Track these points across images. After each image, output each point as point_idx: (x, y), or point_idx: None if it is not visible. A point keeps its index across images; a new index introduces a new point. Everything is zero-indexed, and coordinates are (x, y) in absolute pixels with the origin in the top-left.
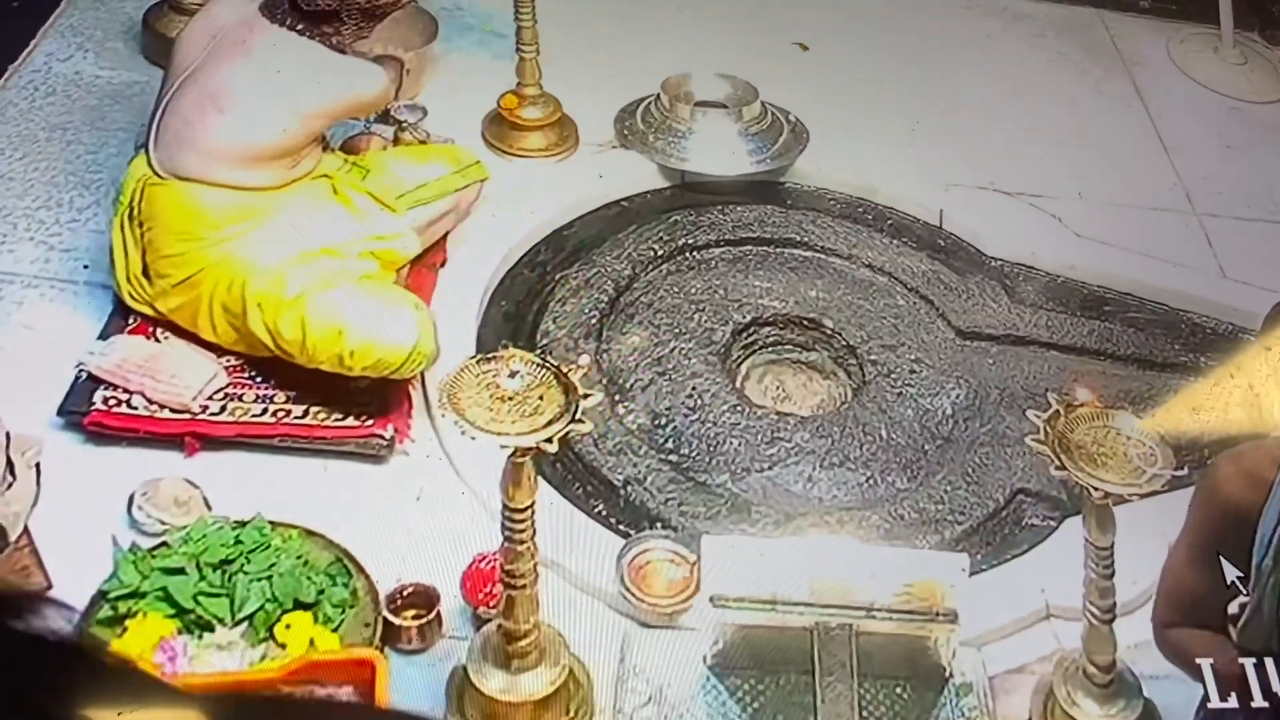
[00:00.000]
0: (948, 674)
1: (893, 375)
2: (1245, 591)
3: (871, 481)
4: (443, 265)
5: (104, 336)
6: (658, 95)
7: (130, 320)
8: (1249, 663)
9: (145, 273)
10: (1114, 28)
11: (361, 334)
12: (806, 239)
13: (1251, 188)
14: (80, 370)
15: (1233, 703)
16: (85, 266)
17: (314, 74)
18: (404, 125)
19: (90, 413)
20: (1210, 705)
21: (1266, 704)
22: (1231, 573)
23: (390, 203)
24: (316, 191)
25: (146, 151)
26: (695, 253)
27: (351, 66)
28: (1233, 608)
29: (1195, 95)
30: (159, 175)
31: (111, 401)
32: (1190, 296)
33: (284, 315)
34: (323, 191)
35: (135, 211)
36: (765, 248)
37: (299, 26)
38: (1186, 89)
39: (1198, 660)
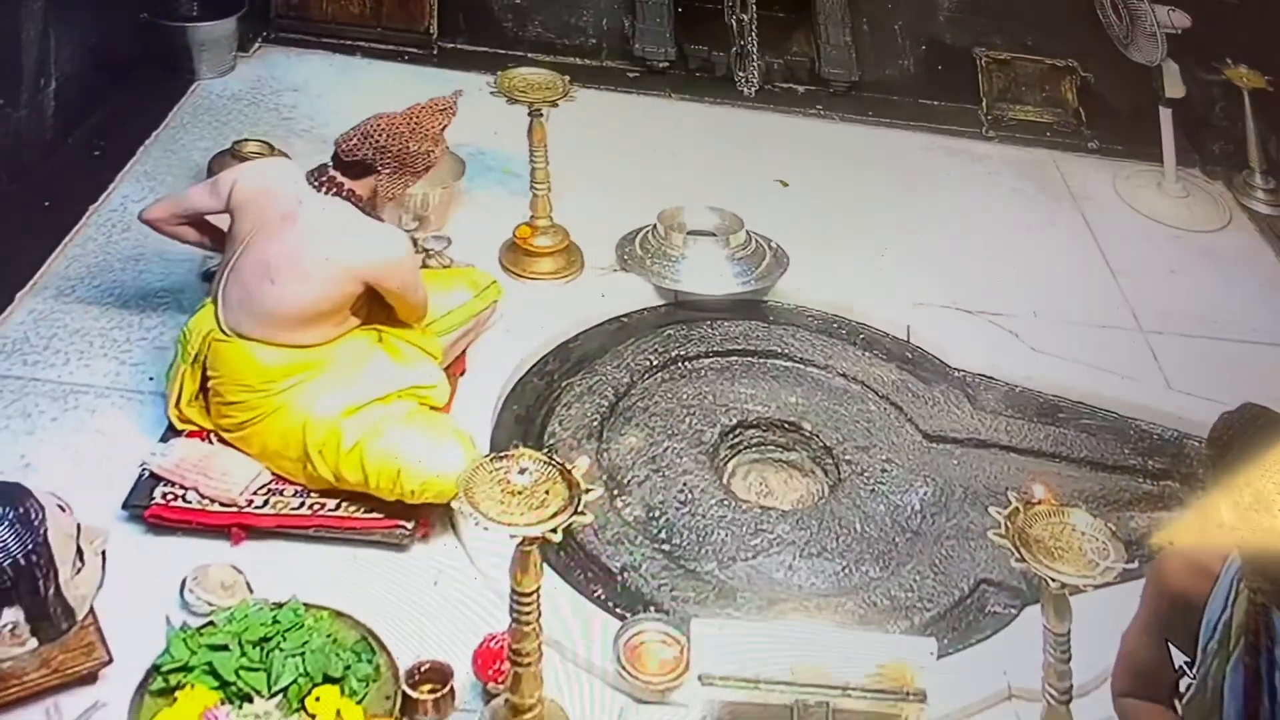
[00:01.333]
0: None
1: (866, 474)
2: (1191, 675)
3: (847, 570)
4: (462, 374)
5: (164, 439)
6: (654, 225)
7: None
8: None
9: (207, 409)
10: (1064, 166)
11: (418, 473)
12: (787, 350)
13: (1194, 307)
14: (143, 469)
15: None
16: (150, 379)
17: (351, 238)
18: (431, 253)
19: (150, 506)
20: None
21: None
22: (1180, 658)
23: (428, 347)
24: (363, 344)
25: (215, 308)
26: (687, 363)
27: (380, 230)
28: (1182, 684)
29: (1140, 225)
30: (225, 333)
31: (169, 496)
32: (1138, 405)
33: (344, 463)
34: (368, 342)
35: (200, 358)
36: (750, 358)
37: (340, 190)
38: (1132, 220)
39: None
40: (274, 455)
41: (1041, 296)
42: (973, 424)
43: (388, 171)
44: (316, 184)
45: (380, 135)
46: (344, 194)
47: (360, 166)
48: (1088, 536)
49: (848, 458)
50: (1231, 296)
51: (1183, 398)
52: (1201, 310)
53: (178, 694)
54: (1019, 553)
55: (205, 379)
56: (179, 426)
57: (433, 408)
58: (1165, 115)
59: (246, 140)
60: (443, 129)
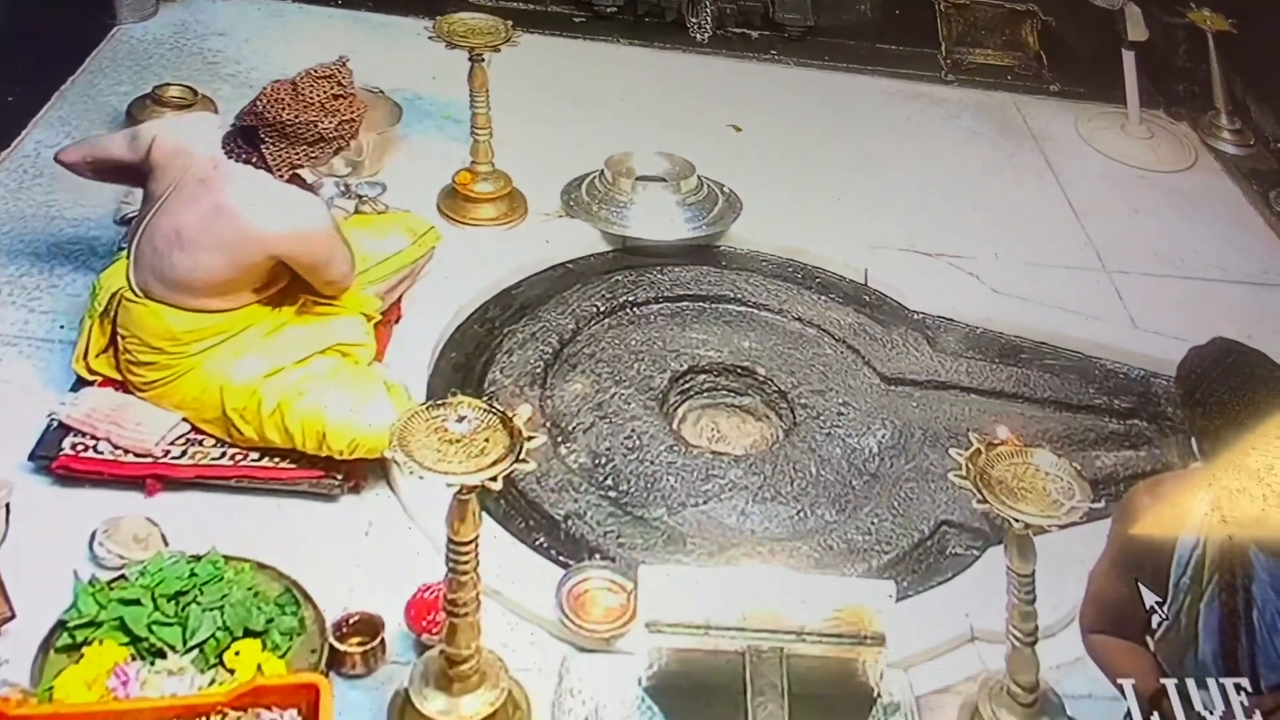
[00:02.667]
0: (876, 694)
1: (822, 417)
2: (1162, 613)
3: (802, 515)
4: (397, 322)
5: (75, 389)
6: (602, 171)
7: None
8: (1171, 683)
9: (117, 364)
10: (1025, 109)
11: (345, 430)
12: (740, 295)
13: (1160, 246)
14: (51, 419)
15: None
16: (61, 327)
17: (261, 208)
18: (364, 199)
19: (58, 457)
20: None
21: None
22: (1150, 598)
23: (354, 303)
24: (282, 306)
25: (127, 265)
26: (635, 309)
27: (293, 202)
28: (1154, 621)
29: (1103, 166)
30: (135, 293)
31: (79, 447)
32: (1103, 345)
33: (267, 426)
34: (288, 304)
35: (110, 313)
36: (701, 304)
37: (253, 160)
38: (1095, 161)
39: (1118, 670)
40: (191, 412)
41: (1003, 238)
42: (932, 366)
43: (270, 141)
44: (228, 150)
45: (261, 103)
46: (254, 162)
47: (251, 134)
48: (1052, 477)
49: (803, 402)
50: (1197, 235)
51: (1149, 337)
52: (1167, 249)
53: (85, 650)
54: (981, 494)
55: (116, 333)
56: (86, 379)
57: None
58: (1128, 58)
59: (168, 85)
60: (331, 96)
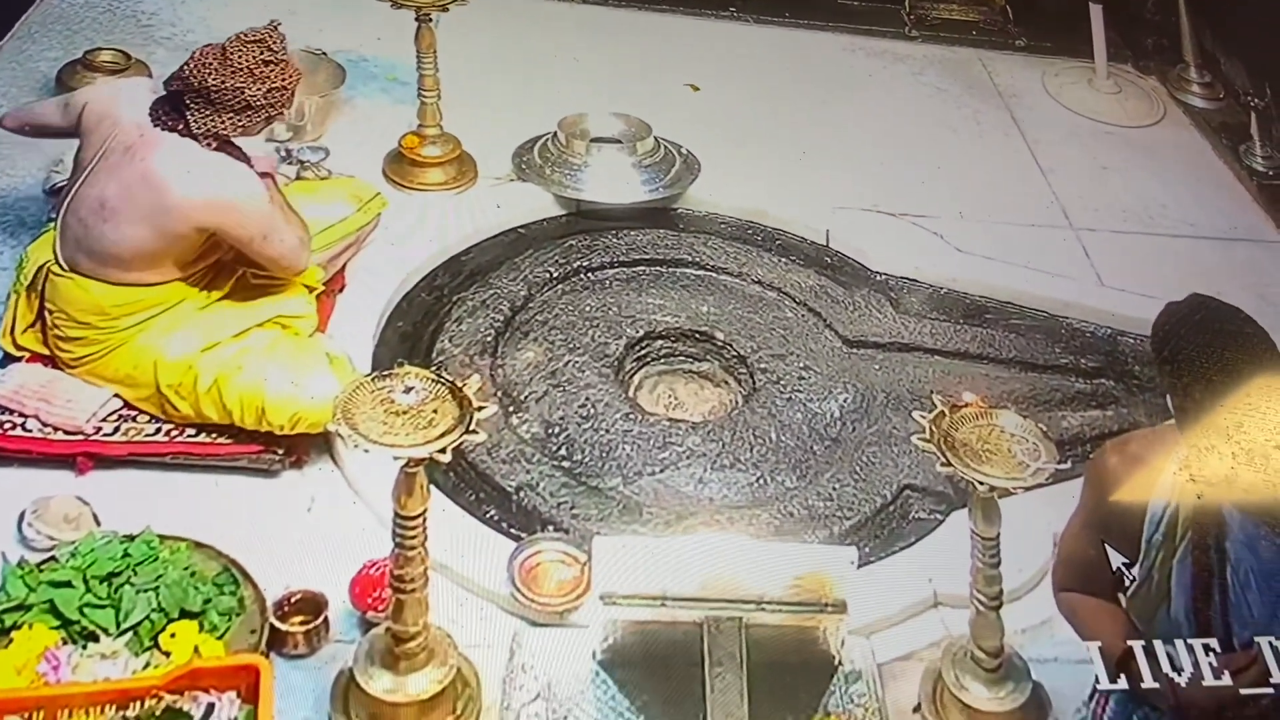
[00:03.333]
0: (837, 662)
1: (782, 382)
2: (1130, 575)
3: (761, 481)
4: (341, 291)
5: (2, 365)
6: (554, 133)
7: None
8: (1139, 645)
9: (45, 340)
10: (990, 65)
11: (285, 405)
12: (698, 259)
13: (1127, 203)
14: None
15: (1123, 684)
16: None
17: (188, 179)
18: (306, 165)
19: None
20: (1100, 687)
21: (1155, 685)
22: (1117, 559)
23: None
24: (217, 279)
25: (54, 237)
26: (590, 274)
27: (227, 170)
28: (1125, 580)
29: (1070, 122)
30: (61, 266)
31: (6, 425)
32: (1069, 304)
33: (204, 402)
34: (223, 277)
35: (37, 287)
36: (658, 268)
37: (180, 128)
38: (1062, 117)
39: (1089, 629)
40: (124, 388)
41: (967, 197)
42: (896, 328)
43: (195, 107)
44: (154, 117)
45: (187, 68)
46: (180, 130)
47: (179, 100)
48: (1017, 438)
49: (763, 366)
50: (1166, 191)
51: (1116, 294)
52: (1135, 206)
53: (13, 634)
54: (945, 457)
55: (44, 308)
56: (14, 355)
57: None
58: (1095, 11)
59: (100, 49)
60: (261, 62)
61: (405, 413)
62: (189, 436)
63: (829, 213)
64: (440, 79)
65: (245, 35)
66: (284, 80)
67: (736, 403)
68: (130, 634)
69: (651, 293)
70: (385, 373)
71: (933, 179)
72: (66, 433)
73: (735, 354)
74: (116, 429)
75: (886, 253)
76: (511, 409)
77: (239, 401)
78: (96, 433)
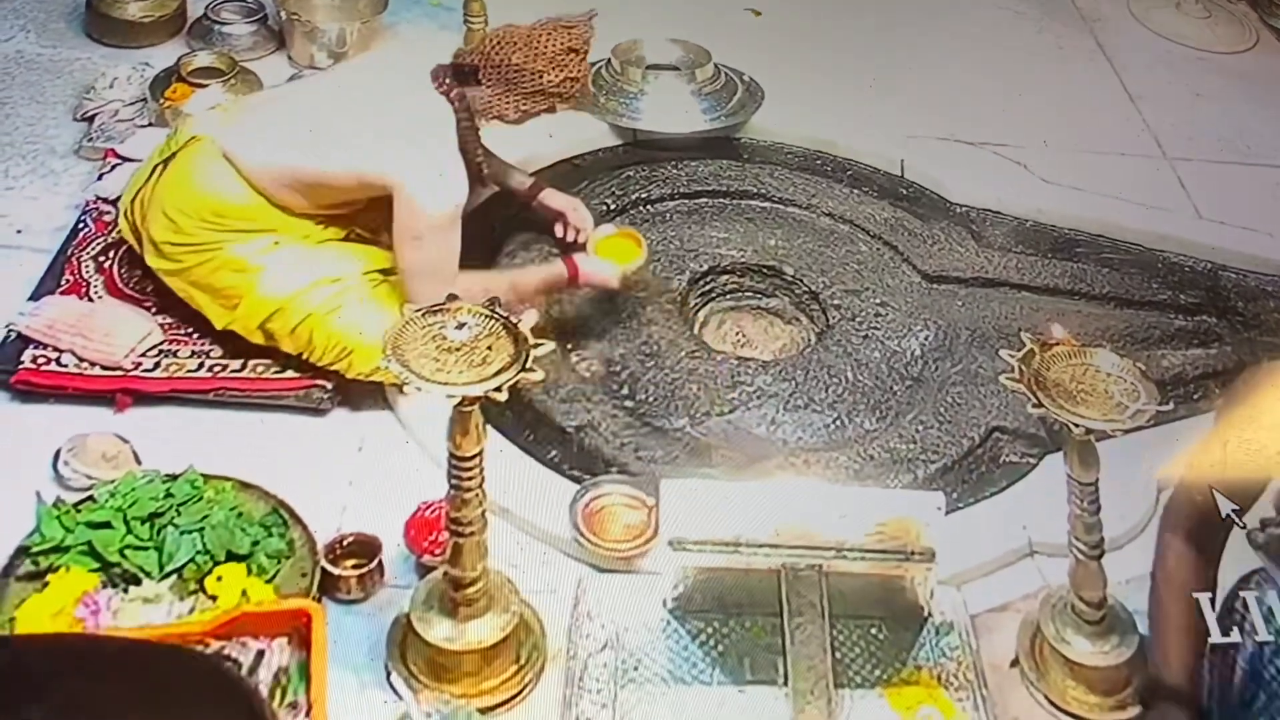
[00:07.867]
0: (926, 613)
1: (858, 319)
2: (1241, 523)
3: (839, 423)
4: None
5: (35, 298)
6: (608, 60)
7: (63, 281)
8: (1252, 596)
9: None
10: None
11: (373, 353)
12: (764, 190)
13: (1223, 132)
14: (9, 330)
15: (1236, 637)
16: (18, 231)
17: (400, 150)
18: None
19: (18, 371)
20: (1212, 641)
21: (1270, 637)
22: (1226, 506)
23: None
24: (327, 231)
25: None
26: (649, 206)
27: (453, 165)
28: (1252, 522)
29: (1159, 47)
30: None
31: (41, 360)
32: (1165, 236)
33: (291, 337)
34: (333, 230)
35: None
36: (722, 199)
37: (448, 92)
38: (1150, 42)
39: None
40: (205, 301)
41: (1051, 125)
42: (979, 262)
43: (489, 84)
44: (435, 78)
45: (490, 43)
46: (450, 95)
47: (468, 72)
48: (1114, 378)
49: (836, 302)
50: (1263, 120)
51: (1215, 227)
52: (1231, 135)
53: (50, 578)
54: (1036, 398)
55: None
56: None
57: None
58: None
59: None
60: (565, 49)
61: (458, 349)
62: (233, 372)
63: (902, 142)
64: (487, 3)
65: (557, 22)
66: (580, 72)
67: (809, 341)
68: (174, 577)
69: (715, 225)
70: (437, 307)
71: (1014, 106)
72: (104, 368)
73: (806, 290)
74: (157, 364)
75: (966, 184)
76: (570, 347)
77: (326, 342)
78: (135, 368)
